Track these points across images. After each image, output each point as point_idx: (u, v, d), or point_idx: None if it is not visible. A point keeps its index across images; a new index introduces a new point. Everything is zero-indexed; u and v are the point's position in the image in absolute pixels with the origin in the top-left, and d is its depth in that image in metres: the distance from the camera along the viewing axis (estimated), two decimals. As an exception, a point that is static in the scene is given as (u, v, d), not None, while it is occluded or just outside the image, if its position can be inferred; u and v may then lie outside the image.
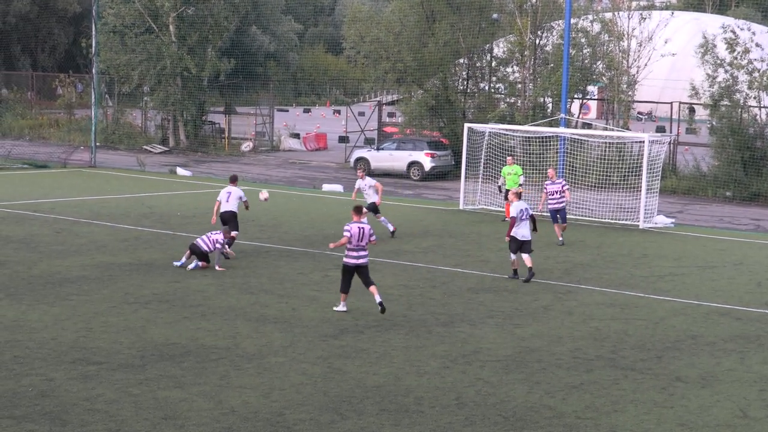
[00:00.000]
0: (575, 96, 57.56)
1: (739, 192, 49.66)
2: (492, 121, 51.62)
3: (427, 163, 55.18)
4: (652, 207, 40.36)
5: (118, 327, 21.27)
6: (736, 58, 50.87)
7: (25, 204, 39.32)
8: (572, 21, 49.23)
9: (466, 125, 45.25)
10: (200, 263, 27.87)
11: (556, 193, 34.65)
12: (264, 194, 31.89)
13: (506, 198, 36.93)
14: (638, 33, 55.96)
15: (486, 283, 27.47)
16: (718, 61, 51.44)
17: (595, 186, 45.68)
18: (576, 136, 45.08)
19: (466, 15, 58.69)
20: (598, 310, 24.58)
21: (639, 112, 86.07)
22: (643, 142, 41.34)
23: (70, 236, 32.43)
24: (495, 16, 59.59)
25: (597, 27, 56.82)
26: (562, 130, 43.99)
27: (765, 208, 47.69)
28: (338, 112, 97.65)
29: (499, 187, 40.13)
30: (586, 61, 56.94)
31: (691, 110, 66.75)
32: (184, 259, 28.06)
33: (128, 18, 66.02)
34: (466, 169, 43.42)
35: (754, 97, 51.31)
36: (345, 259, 23.32)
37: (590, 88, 61.71)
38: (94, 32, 61.66)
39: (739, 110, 51.36)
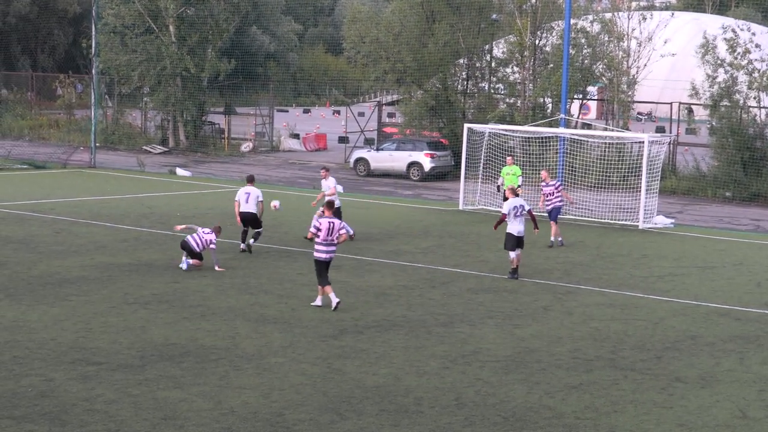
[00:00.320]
0: (575, 96, 57.57)
1: (738, 192, 49.67)
2: (492, 121, 51.63)
3: (427, 164, 55.17)
4: (652, 207, 40.38)
5: (118, 327, 21.27)
6: (736, 59, 50.89)
7: (25, 204, 39.31)
8: (572, 21, 49.18)
9: (466, 125, 45.26)
10: (191, 261, 27.75)
11: (551, 194, 34.68)
12: (276, 204, 31.93)
13: (505, 198, 36.93)
14: (638, 33, 55.95)
15: (485, 283, 27.47)
16: (719, 62, 51.46)
17: (594, 186, 45.69)
18: (576, 137, 45.07)
19: (465, 15, 58.68)
20: (597, 311, 24.58)
21: (639, 113, 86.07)
22: (643, 142, 41.35)
23: (69, 237, 32.43)
24: (495, 16, 59.59)
25: (597, 27, 56.81)
26: (561, 131, 43.99)
27: (765, 208, 47.70)
28: (338, 112, 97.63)
29: (498, 186, 40.14)
30: (586, 62, 56.92)
31: (689, 111, 66.78)
32: (184, 260, 27.98)
33: (128, 18, 66.01)
34: (465, 170, 43.42)
35: (754, 98, 51.35)
36: (315, 254, 23.72)
37: (590, 88, 61.68)
38: (94, 33, 61.68)
39: (739, 110, 51.37)
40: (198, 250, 27.69)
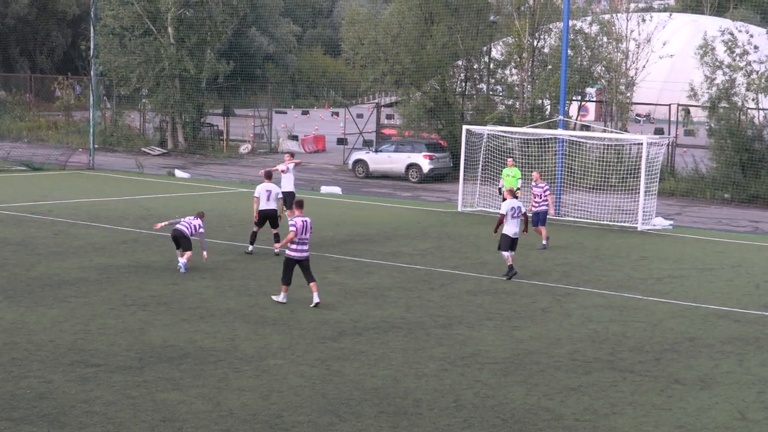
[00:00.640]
0: (573, 98, 57.56)
1: (737, 194, 49.66)
2: (490, 123, 51.61)
3: (426, 165, 55.15)
4: (651, 209, 40.40)
5: (117, 329, 21.28)
6: (734, 60, 50.90)
7: (24, 206, 39.30)
8: (570, 23, 49.17)
9: (465, 127, 45.28)
10: (183, 258, 27.74)
11: (538, 196, 34.65)
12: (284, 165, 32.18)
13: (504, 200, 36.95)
14: (637, 35, 55.96)
15: (484, 285, 27.47)
16: (717, 63, 51.46)
17: (593, 188, 45.71)
18: (574, 138, 45.08)
19: (464, 17, 58.66)
20: (596, 312, 24.59)
21: (637, 114, 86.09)
22: (642, 144, 41.36)
23: (68, 238, 32.43)
24: (493, 18, 59.57)
25: (595, 29, 56.79)
26: (560, 132, 44.00)
27: (763, 210, 47.69)
28: (336, 114, 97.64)
29: (500, 189, 40.12)
30: (585, 63, 56.91)
31: (687, 112, 66.76)
32: (180, 260, 27.98)
33: (127, 20, 65.96)
34: (464, 171, 43.43)
35: (753, 99, 51.34)
36: (288, 252, 24.05)
37: (588, 90, 61.66)
38: (92, 34, 61.66)
39: (738, 112, 51.38)
40: (190, 233, 27.76)
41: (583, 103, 63.64)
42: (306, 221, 23.87)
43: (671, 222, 41.20)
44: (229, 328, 21.73)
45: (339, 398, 17.22)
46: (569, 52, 49.41)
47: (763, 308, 25.82)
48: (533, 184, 35.23)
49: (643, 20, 56.12)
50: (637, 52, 55.97)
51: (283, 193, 31.59)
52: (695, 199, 50.40)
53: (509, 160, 40.44)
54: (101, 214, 37.62)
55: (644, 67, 55.85)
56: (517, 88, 58.06)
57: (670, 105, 60.30)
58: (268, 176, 31.20)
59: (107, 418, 15.84)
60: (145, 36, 66.69)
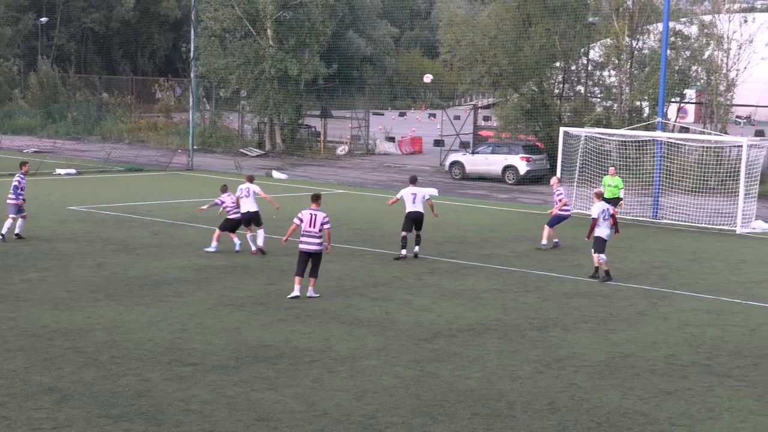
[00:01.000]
0: (672, 100, 56.98)
1: (840, 197, 48.79)
2: (588, 125, 51.32)
3: (522, 167, 54.97)
4: (750, 212, 39.88)
5: (213, 329, 21.51)
6: None
7: (124, 206, 39.90)
8: (670, 24, 48.68)
9: (562, 129, 45.08)
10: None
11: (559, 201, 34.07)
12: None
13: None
14: (738, 36, 55.23)
15: (580, 287, 27.32)
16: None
17: (691, 190, 45.24)
18: (673, 141, 44.66)
19: (562, 18, 58.39)
20: (693, 316, 24.34)
21: (737, 116, 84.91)
22: (741, 146, 40.86)
23: (167, 238, 32.86)
24: (591, 19, 59.23)
25: (695, 30, 56.17)
26: (658, 134, 43.61)
27: None
28: (433, 115, 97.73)
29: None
30: (684, 65, 56.29)
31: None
32: (214, 243, 29.90)
33: (227, 22, 66.69)
34: (561, 173, 43.21)
35: None
36: (299, 245, 24.57)
37: (687, 91, 60.99)
38: (192, 36, 62.47)
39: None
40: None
41: (682, 105, 62.95)
42: (315, 215, 24.34)
43: (772, 225, 40.63)
44: (324, 328, 21.85)
45: (433, 400, 17.24)
46: (668, 53, 48.91)
47: None
48: (554, 187, 34.63)
49: (745, 21, 55.38)
50: (739, 53, 55.24)
51: (248, 212, 30.87)
52: (797, 203, 49.60)
53: (611, 168, 39.82)
54: (199, 215, 38.00)
55: (745, 68, 55.10)
56: (615, 90, 57.66)
57: (772, 107, 59.48)
58: (413, 180, 31.57)
59: (203, 417, 16.03)
60: (245, 38, 67.33)
